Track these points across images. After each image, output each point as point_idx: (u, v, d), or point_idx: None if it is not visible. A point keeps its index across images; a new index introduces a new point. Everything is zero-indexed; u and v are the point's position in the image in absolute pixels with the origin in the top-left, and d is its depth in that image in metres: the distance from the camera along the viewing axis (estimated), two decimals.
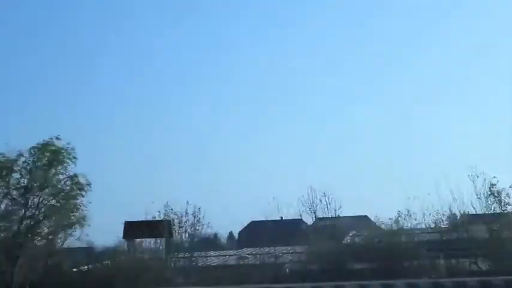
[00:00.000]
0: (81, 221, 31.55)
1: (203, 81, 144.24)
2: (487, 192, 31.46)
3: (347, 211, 42.93)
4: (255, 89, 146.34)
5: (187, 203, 33.82)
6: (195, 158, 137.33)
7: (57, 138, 31.43)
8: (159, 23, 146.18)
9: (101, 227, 34.45)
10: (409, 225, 32.45)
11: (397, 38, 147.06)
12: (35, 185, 30.84)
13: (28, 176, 30.89)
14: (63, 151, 31.48)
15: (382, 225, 33.92)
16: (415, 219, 32.08)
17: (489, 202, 31.53)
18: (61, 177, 31.55)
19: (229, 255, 37.32)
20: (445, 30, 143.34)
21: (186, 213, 33.90)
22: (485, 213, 31.75)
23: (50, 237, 31.76)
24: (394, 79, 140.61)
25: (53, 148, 31.32)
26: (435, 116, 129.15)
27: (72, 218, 31.54)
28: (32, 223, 30.80)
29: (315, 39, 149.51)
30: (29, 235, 30.93)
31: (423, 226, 32.86)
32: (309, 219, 46.55)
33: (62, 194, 31.37)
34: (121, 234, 34.19)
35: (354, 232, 35.88)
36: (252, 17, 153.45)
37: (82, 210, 31.68)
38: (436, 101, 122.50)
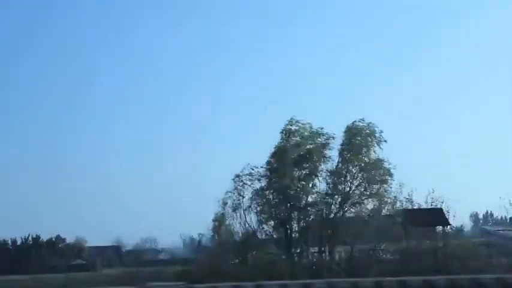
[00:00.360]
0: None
1: (203, 81, 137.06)
2: None
3: None
4: (255, 89, 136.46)
5: (432, 191, 31.29)
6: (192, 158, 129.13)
7: (360, 121, 30.86)
8: (159, 23, 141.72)
9: None
10: None
11: (397, 38, 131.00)
12: (347, 169, 30.57)
13: (340, 160, 30.70)
14: (371, 134, 30.68)
15: None
16: None
17: None
18: (368, 160, 30.76)
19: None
20: (445, 30, 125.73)
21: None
22: None
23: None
24: (394, 79, 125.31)
25: (364, 131, 30.65)
26: (435, 116, 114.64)
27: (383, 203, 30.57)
28: (341, 205, 30.41)
29: (315, 39, 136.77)
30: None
31: None
32: None
33: (370, 178, 30.57)
34: None
35: None
36: (252, 17, 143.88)
37: (389, 195, 30.54)
38: (436, 101, 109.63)
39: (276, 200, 30.09)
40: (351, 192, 30.44)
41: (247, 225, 30.23)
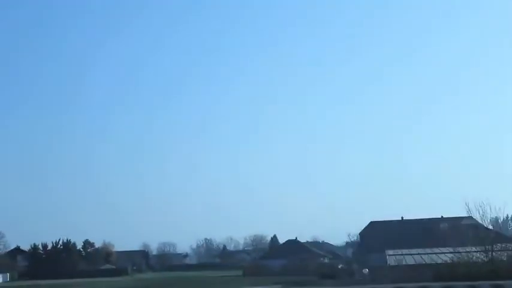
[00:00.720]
0: None
1: (203, 81, 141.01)
2: None
3: None
4: (255, 89, 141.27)
5: None
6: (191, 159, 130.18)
7: None
8: (160, 23, 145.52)
9: None
10: None
11: (398, 38, 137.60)
12: None
13: None
14: None
15: None
16: None
17: None
18: None
19: None
20: (445, 30, 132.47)
21: None
22: None
23: None
24: (395, 79, 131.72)
25: None
26: (435, 115, 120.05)
27: None
28: None
29: (315, 40, 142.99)
30: None
31: None
32: None
33: None
34: None
35: None
36: (252, 17, 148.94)
37: None
38: (436, 101, 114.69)
39: None
40: None
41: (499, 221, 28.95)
